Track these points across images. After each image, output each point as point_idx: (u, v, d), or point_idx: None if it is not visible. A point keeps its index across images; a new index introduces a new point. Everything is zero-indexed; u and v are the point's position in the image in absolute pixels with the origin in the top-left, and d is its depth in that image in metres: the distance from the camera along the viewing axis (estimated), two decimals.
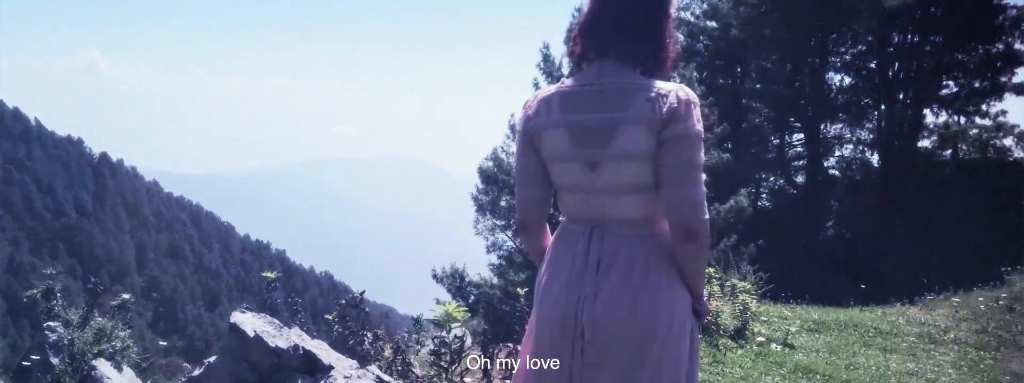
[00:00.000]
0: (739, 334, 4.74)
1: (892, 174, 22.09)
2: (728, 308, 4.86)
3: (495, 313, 16.92)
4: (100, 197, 67.03)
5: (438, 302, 17.63)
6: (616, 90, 1.72)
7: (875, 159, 23.78)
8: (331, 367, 3.20)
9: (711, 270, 5.00)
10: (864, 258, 20.53)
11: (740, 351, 4.49)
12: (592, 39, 1.79)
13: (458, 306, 3.36)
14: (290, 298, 4.66)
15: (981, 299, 8.41)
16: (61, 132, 74.09)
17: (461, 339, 3.31)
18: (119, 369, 3.86)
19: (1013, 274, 14.16)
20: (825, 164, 25.03)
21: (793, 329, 5.16)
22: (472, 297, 17.53)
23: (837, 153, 24.68)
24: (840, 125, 24.14)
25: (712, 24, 22.54)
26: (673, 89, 1.70)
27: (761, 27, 20.92)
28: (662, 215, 1.76)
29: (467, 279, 17.63)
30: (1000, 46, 20.80)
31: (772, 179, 25.61)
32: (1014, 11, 20.41)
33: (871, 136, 23.79)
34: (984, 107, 21.68)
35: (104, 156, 73.25)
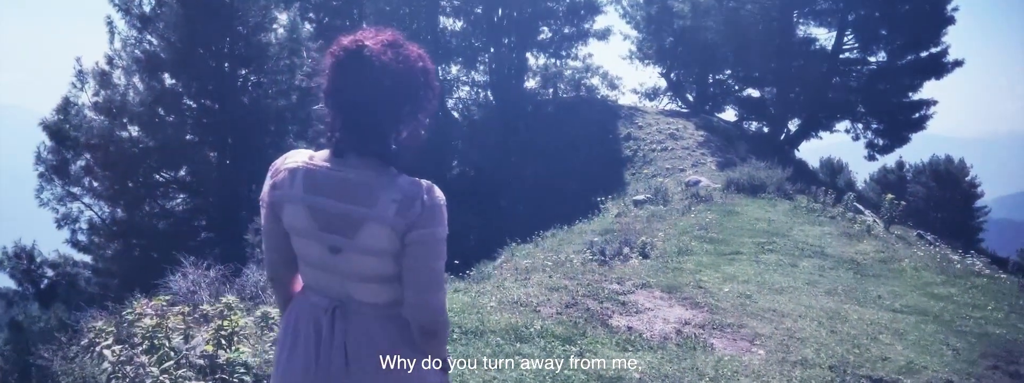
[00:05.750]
0: None
1: (505, 113, 22.82)
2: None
3: (82, 295, 13.77)
4: None
5: None
6: (362, 183, 1.61)
7: (491, 99, 24.45)
8: None
9: None
10: (488, 194, 21.07)
11: None
12: (341, 135, 1.64)
13: None
14: None
15: (575, 251, 8.27)
16: None
17: None
18: None
19: (607, 202, 15.30)
20: (447, 105, 25.16)
21: None
22: (46, 281, 14.02)
23: (456, 95, 24.87)
24: (457, 67, 24.25)
25: None
26: (420, 193, 1.61)
27: None
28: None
29: (40, 259, 14.02)
30: None
31: None
32: None
33: (485, 78, 24.32)
34: (574, 51, 23.28)
35: None
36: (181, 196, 14.74)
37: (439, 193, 1.65)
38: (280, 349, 1.77)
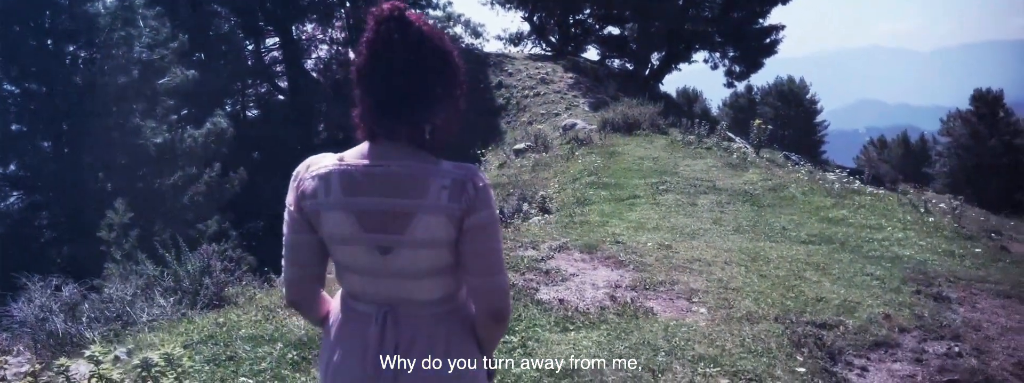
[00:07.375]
0: None
1: None
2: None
3: None
4: None
5: None
6: (407, 175, 1.51)
7: (351, 56, 23.03)
8: None
9: None
10: None
11: None
12: (372, 117, 1.52)
13: None
14: None
15: None
16: None
17: None
18: None
19: (487, 153, 14.79)
20: (306, 66, 23.50)
21: None
22: None
23: (314, 54, 23.25)
24: (311, 26, 22.62)
25: None
26: (468, 176, 1.52)
27: None
28: (460, 290, 1.64)
29: None
30: None
31: (255, 87, 23.27)
32: None
33: (343, 34, 22.83)
34: None
35: None
36: (15, 194, 12.87)
37: (484, 174, 1.56)
38: (327, 358, 1.66)
